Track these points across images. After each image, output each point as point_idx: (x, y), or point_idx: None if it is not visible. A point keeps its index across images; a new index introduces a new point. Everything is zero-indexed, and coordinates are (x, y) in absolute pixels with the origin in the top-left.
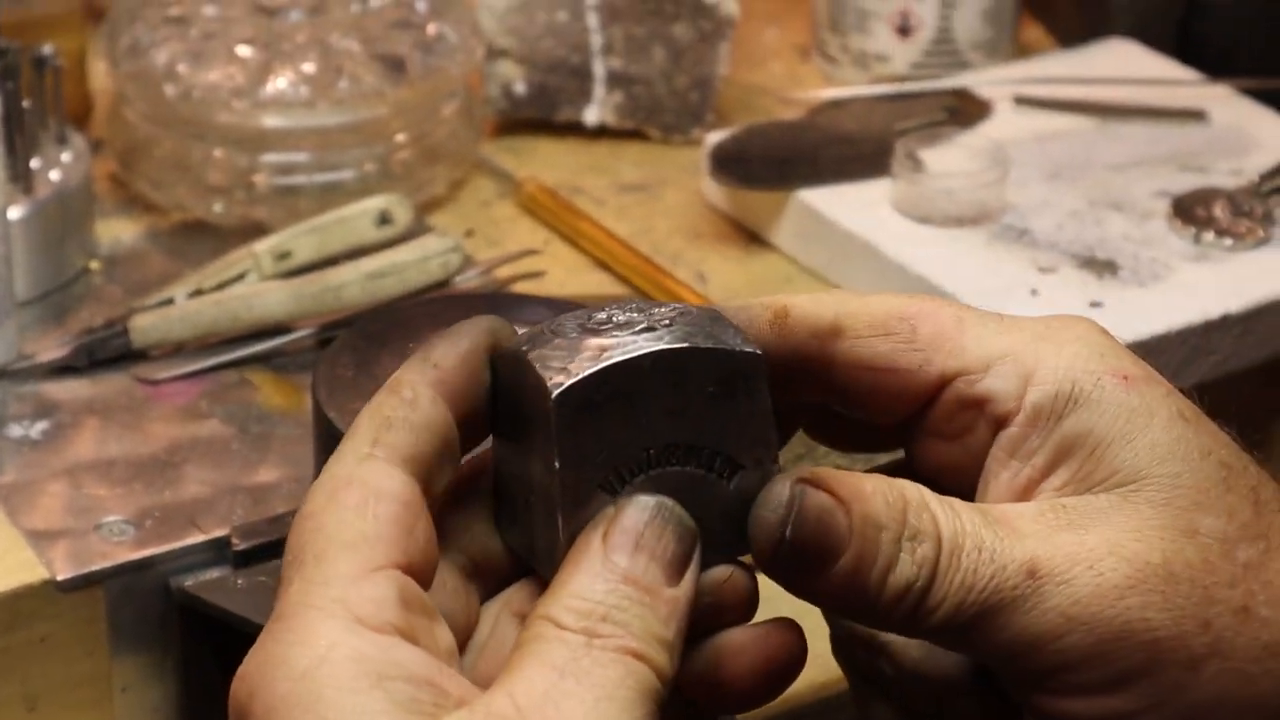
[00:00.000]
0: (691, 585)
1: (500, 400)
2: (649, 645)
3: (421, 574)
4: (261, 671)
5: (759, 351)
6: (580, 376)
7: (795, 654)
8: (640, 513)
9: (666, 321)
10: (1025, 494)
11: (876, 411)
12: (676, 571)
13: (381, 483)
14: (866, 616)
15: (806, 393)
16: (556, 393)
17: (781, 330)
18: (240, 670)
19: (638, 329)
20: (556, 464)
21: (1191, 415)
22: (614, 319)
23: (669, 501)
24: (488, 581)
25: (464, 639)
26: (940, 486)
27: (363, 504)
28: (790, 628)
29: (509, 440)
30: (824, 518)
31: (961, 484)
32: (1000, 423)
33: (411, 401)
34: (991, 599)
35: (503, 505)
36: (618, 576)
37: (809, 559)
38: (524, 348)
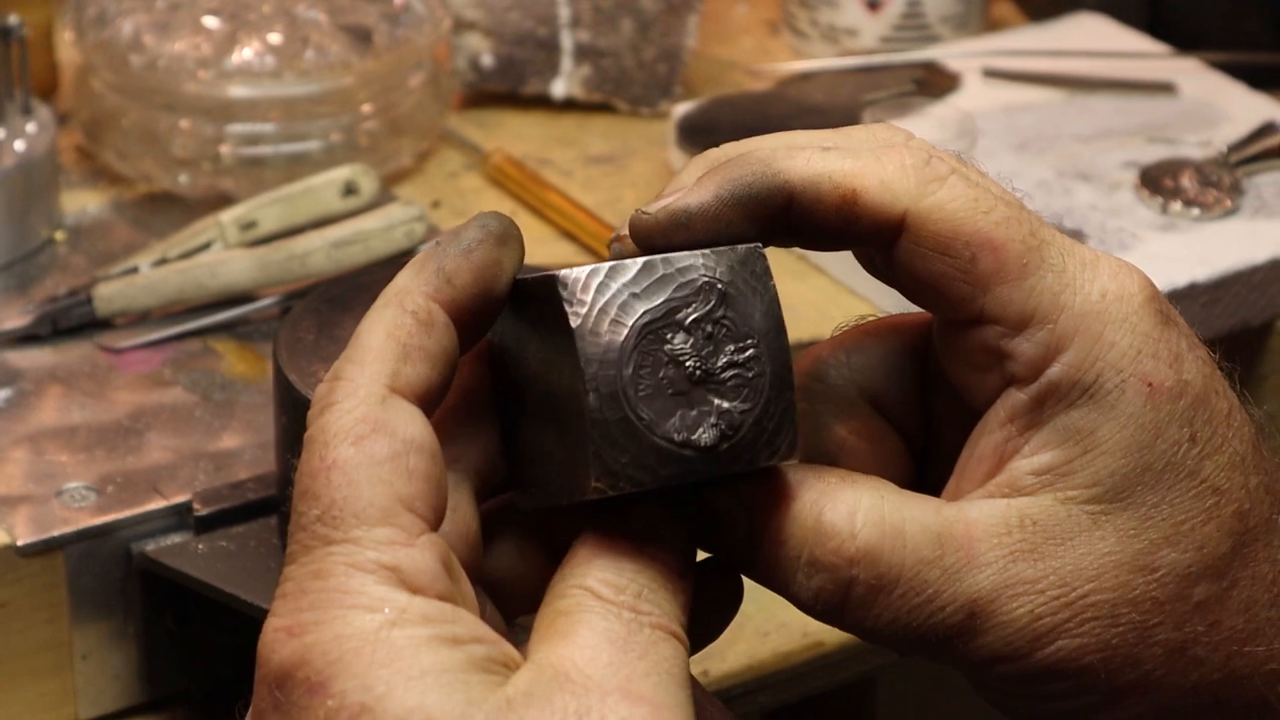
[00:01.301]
0: (692, 578)
1: (520, 325)
2: (678, 627)
3: (438, 523)
4: (318, 629)
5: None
6: (625, 494)
7: (733, 596)
8: (663, 508)
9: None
10: (1007, 459)
11: (914, 302)
12: (689, 563)
13: (410, 431)
14: None
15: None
16: (593, 494)
17: (847, 218)
18: (277, 626)
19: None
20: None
21: (1204, 434)
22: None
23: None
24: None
25: (472, 562)
26: (946, 383)
27: (396, 458)
28: (725, 572)
29: (530, 363)
30: (725, 523)
31: (965, 397)
32: (1013, 382)
33: (427, 324)
34: (926, 634)
35: (504, 383)
36: (646, 558)
37: (731, 558)
38: (573, 325)
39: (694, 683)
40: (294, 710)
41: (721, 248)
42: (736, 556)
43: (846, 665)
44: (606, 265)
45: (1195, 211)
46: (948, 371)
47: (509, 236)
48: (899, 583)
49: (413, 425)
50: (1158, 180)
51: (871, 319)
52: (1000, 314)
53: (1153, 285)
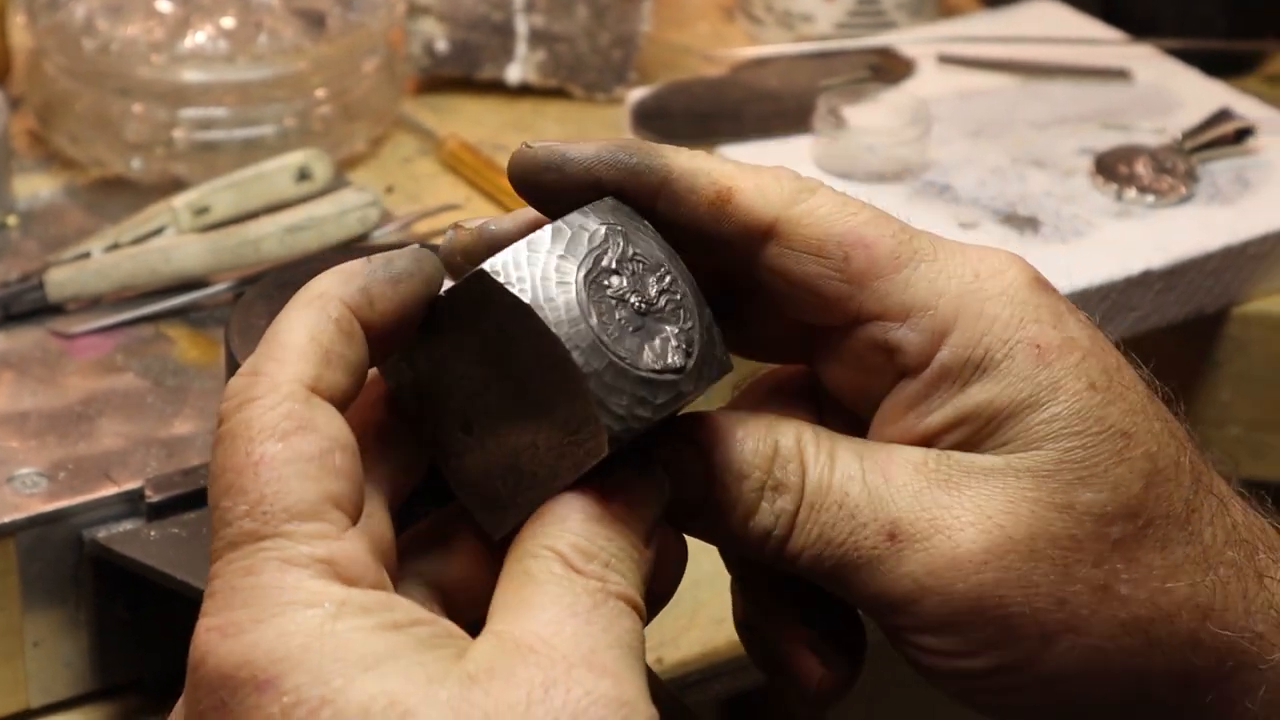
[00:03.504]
0: (654, 550)
1: (440, 354)
2: (639, 598)
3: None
4: (256, 628)
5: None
6: (620, 445)
7: (678, 564)
8: (632, 472)
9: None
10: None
11: (790, 314)
12: (652, 534)
13: (333, 430)
14: (736, 552)
15: (726, 261)
16: (611, 447)
17: (718, 215)
18: (210, 625)
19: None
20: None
21: (1102, 383)
22: (622, 278)
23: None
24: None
25: (390, 569)
26: (838, 406)
27: (324, 456)
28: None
29: (467, 381)
30: (679, 468)
31: (860, 409)
32: (905, 373)
33: (349, 335)
34: (849, 556)
35: (430, 421)
36: (619, 526)
37: (685, 511)
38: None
39: None
40: (241, 710)
41: (589, 204)
42: (690, 508)
43: None
44: (522, 242)
45: (1150, 198)
46: (836, 390)
47: (434, 282)
48: (829, 494)
49: (334, 424)
50: (1112, 167)
51: (762, 372)
52: (880, 309)
53: (1023, 259)
